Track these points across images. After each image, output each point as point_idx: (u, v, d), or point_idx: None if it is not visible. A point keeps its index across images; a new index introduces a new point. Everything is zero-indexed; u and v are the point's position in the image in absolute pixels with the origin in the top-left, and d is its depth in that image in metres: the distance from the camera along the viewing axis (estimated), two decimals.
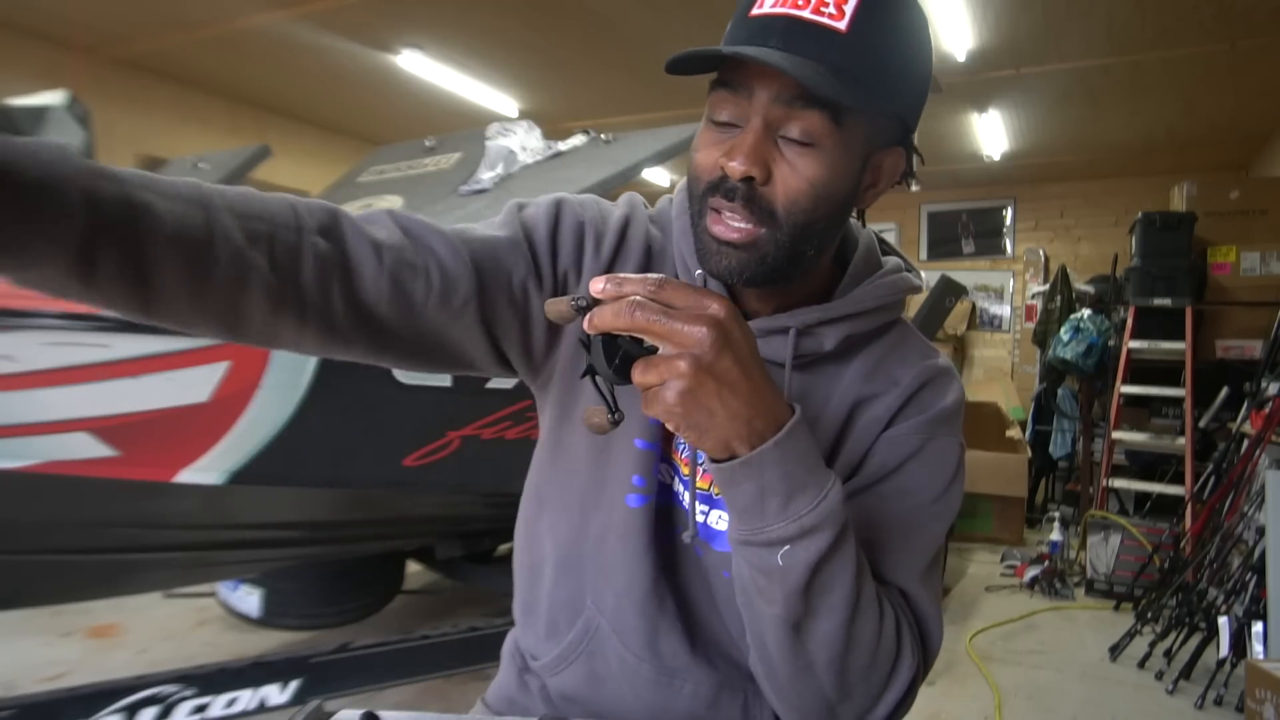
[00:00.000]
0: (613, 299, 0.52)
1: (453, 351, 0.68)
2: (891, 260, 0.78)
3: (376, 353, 0.65)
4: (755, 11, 0.62)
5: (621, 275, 0.52)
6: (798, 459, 0.56)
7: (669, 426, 0.56)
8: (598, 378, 0.54)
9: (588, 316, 0.52)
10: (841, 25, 0.59)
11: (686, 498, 0.74)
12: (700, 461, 0.73)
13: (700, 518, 0.73)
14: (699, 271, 0.69)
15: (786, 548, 0.57)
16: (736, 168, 0.60)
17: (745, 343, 0.53)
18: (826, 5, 0.60)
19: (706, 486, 0.73)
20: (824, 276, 0.74)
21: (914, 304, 6.15)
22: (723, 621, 0.75)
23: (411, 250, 0.63)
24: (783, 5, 0.60)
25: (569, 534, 0.77)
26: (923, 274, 0.80)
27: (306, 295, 0.57)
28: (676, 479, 0.75)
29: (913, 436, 0.70)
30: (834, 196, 0.63)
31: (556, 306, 0.54)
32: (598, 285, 0.52)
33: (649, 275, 0.52)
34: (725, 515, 0.71)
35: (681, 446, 0.74)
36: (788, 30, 0.59)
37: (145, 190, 0.50)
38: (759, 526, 0.57)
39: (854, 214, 0.73)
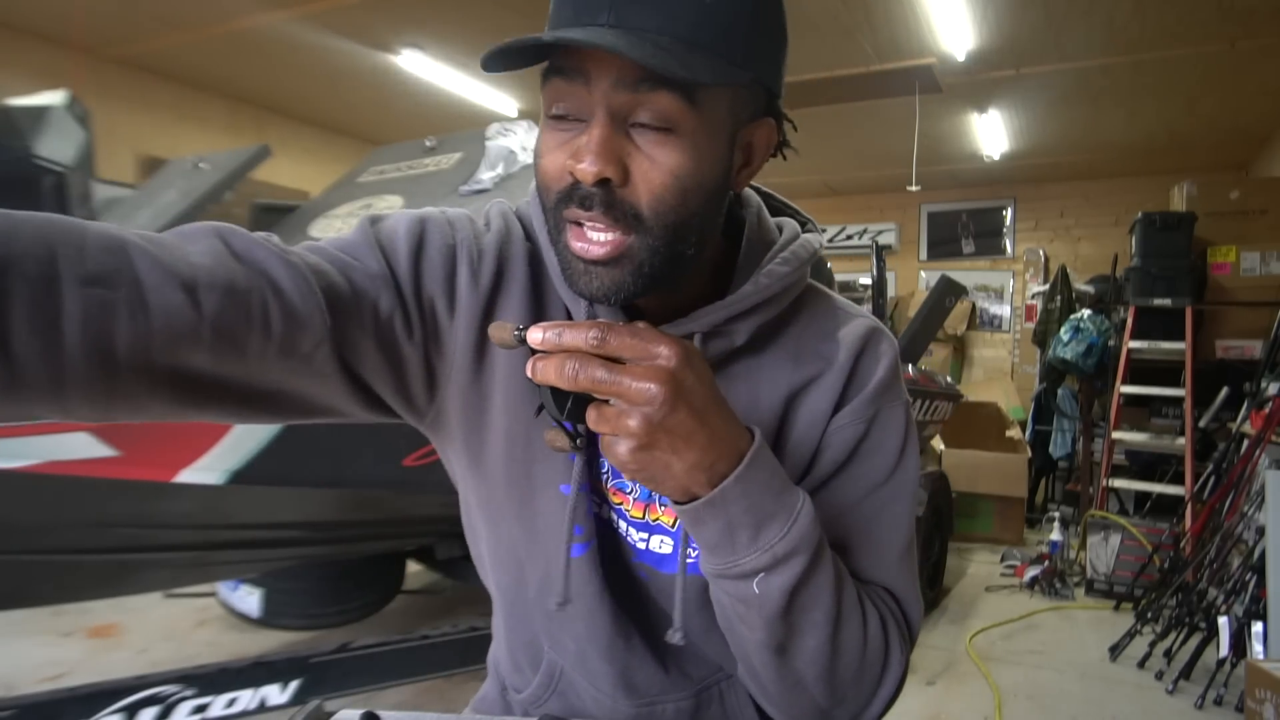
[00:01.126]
0: (554, 349, 0.48)
1: (301, 401, 0.58)
2: (787, 225, 0.70)
3: (189, 412, 0.53)
4: None
5: (560, 324, 0.48)
6: (762, 488, 0.53)
7: (625, 477, 0.54)
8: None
9: (530, 365, 0.49)
10: None
11: (622, 526, 0.70)
12: (627, 490, 0.69)
13: (641, 545, 0.69)
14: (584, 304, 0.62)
15: (761, 575, 0.55)
16: (587, 170, 0.52)
17: (701, 387, 0.50)
18: None
19: (640, 515, 0.69)
20: (715, 260, 0.66)
21: (914, 304, 6.16)
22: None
23: (244, 286, 0.51)
24: None
25: (509, 584, 0.73)
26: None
27: (65, 367, 0.44)
28: (611, 511, 0.70)
29: (859, 422, 0.66)
30: (704, 186, 0.56)
31: (500, 333, 0.50)
32: (535, 335, 0.48)
33: (591, 324, 0.48)
34: (667, 540, 0.69)
35: (626, 486, 0.69)
36: (618, 2, 0.51)
37: None
38: (731, 560, 0.55)
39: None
